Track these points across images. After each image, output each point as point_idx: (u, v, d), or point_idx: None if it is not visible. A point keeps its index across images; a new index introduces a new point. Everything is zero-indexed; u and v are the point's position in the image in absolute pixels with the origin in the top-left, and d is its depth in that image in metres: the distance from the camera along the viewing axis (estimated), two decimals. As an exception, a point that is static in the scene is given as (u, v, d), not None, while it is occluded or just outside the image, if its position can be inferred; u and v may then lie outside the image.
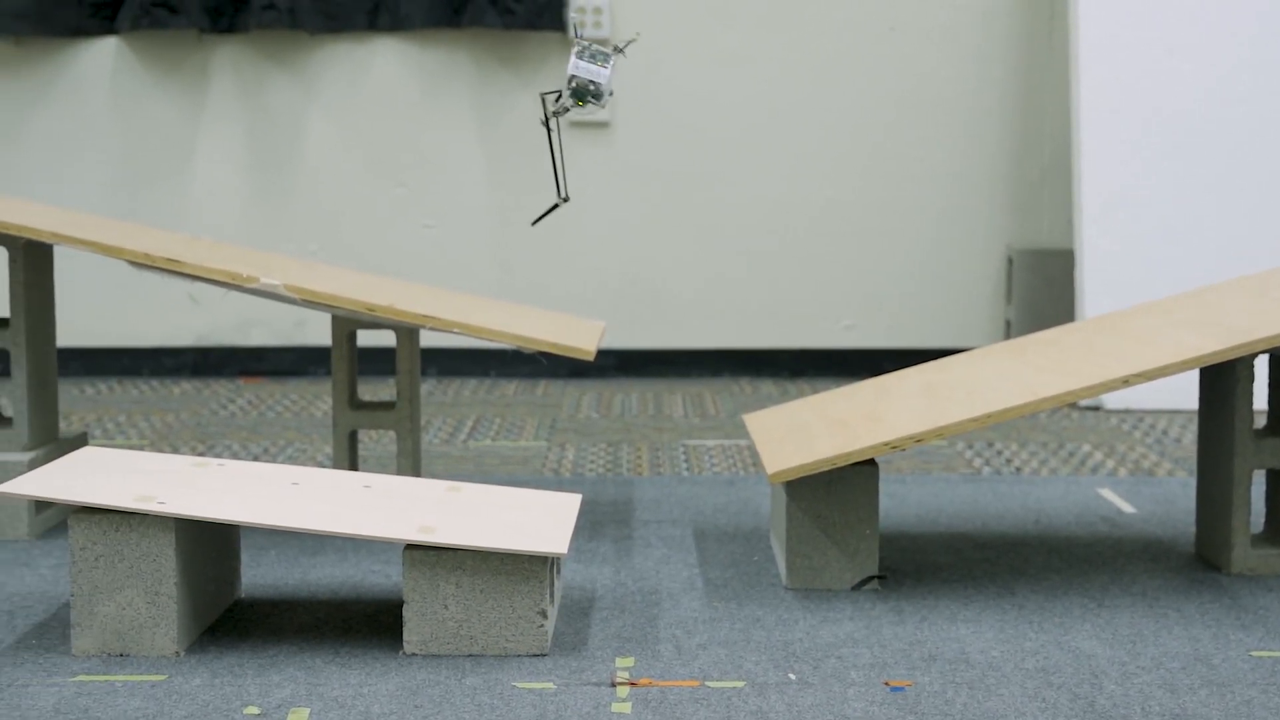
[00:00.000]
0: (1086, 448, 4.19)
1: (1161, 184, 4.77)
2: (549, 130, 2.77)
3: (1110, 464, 3.98)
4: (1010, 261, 5.23)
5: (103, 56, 5.20)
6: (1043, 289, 5.13)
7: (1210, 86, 4.78)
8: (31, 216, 3.18)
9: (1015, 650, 2.53)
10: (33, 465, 3.17)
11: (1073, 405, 4.70)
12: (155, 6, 5.08)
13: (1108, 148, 4.79)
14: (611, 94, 2.79)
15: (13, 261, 3.19)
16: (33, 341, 3.23)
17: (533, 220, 3.01)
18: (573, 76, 2.76)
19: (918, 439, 2.79)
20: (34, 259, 3.24)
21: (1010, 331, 5.19)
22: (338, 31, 5.18)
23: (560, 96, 2.76)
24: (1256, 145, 4.78)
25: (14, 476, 3.10)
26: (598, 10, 5.17)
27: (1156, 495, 3.59)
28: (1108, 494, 3.61)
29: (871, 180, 5.25)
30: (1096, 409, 4.73)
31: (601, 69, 2.74)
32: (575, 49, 2.79)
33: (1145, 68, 4.79)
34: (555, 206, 2.94)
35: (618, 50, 2.79)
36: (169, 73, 5.21)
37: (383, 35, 5.20)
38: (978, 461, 4.00)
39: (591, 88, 2.75)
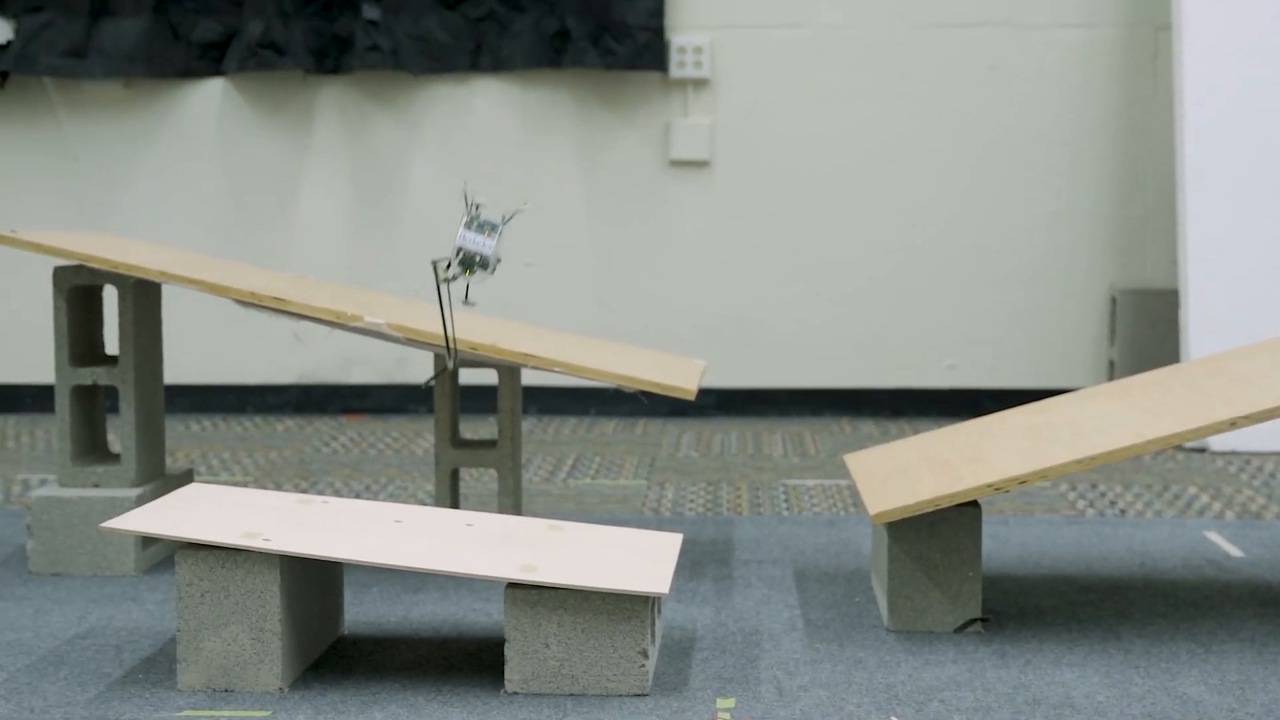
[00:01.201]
0: (1192, 490, 4.14)
1: (1267, 223, 4.72)
2: (439, 295, 2.81)
3: (1217, 506, 3.94)
4: (1114, 301, 5.18)
5: (210, 97, 5.27)
6: (1146, 329, 5.09)
7: (1318, 125, 4.73)
8: (140, 255, 3.23)
9: (1121, 696, 2.51)
10: (140, 501, 3.21)
11: (1177, 447, 4.65)
12: (262, 48, 5.15)
13: (1213, 186, 4.74)
14: (499, 260, 2.83)
15: (122, 300, 3.24)
16: (140, 379, 3.27)
17: (424, 384, 3.07)
18: (460, 248, 2.81)
19: (1021, 480, 2.77)
20: (142, 297, 3.29)
21: (1114, 372, 5.15)
22: (440, 72, 5.22)
23: (449, 265, 2.80)
24: (1365, 184, 4.71)
25: (121, 512, 3.14)
26: (698, 50, 5.19)
27: (1264, 539, 3.54)
28: (1214, 537, 3.56)
29: (972, 219, 5.23)
30: (1202, 451, 4.67)
31: (488, 239, 2.80)
32: (464, 219, 2.82)
33: (1250, 105, 4.74)
34: (447, 366, 3.01)
35: (505, 221, 2.83)
36: (274, 113, 5.28)
37: (484, 76, 5.24)
38: (1081, 503, 3.96)
39: (478, 259, 2.80)
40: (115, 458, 3.32)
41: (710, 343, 5.23)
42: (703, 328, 5.26)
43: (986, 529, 3.54)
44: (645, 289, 5.28)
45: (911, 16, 5.21)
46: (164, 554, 3.30)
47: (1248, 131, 4.74)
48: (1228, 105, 4.75)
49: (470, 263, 2.80)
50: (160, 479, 3.35)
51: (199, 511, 2.63)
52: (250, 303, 3.12)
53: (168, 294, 3.53)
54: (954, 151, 5.23)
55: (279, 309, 3.11)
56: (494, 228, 2.80)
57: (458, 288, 2.80)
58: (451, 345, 2.92)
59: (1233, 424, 2.76)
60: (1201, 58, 4.77)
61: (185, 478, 3.46)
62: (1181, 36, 4.79)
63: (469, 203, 2.84)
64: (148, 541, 3.23)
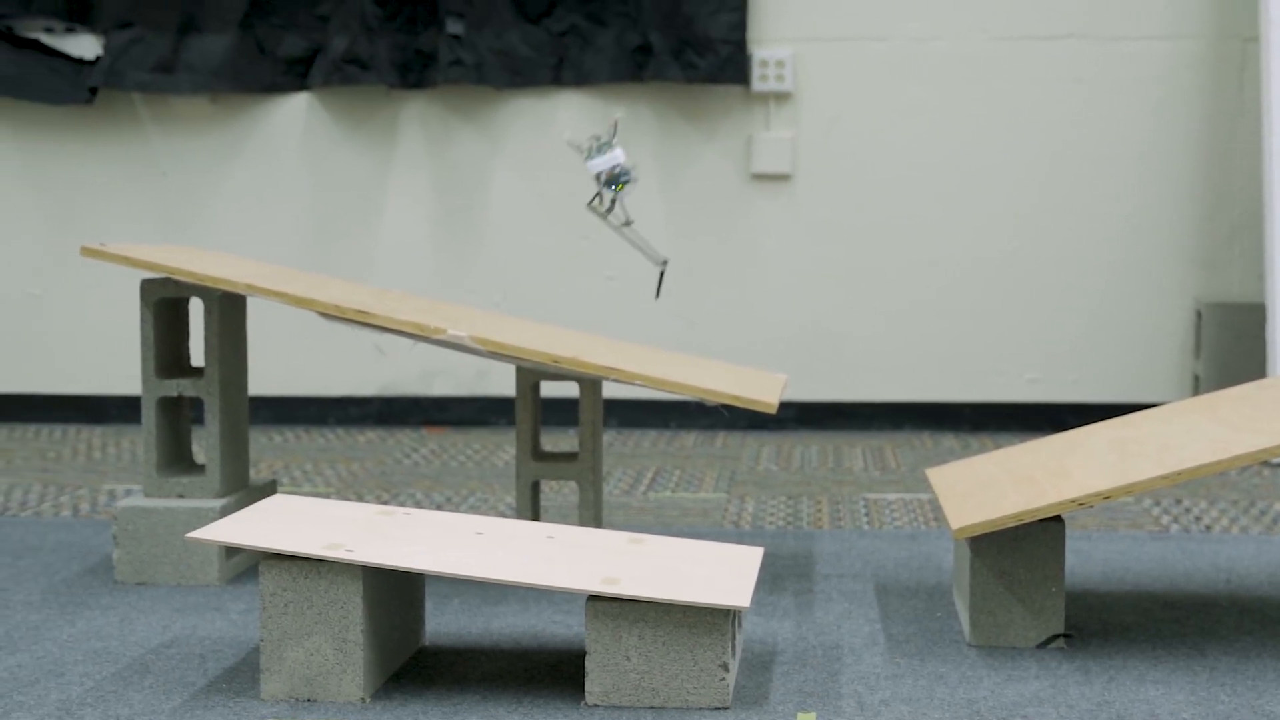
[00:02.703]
0: (1279, 506, 4.09)
1: (1357, 237, 4.66)
2: (610, 225, 2.91)
3: (1304, 523, 3.89)
4: (1199, 316, 5.14)
5: (295, 112, 5.32)
6: (1232, 344, 5.04)
7: None
8: (226, 268, 3.26)
9: (1207, 713, 2.48)
10: (224, 512, 3.24)
11: (1264, 463, 4.60)
12: (346, 63, 5.19)
13: (1301, 200, 4.69)
14: (633, 164, 2.89)
15: (208, 313, 3.27)
16: (226, 391, 3.30)
17: (656, 294, 3.10)
18: (598, 176, 2.85)
19: (1106, 495, 2.75)
20: (228, 310, 3.32)
21: (1199, 387, 5.10)
22: (523, 86, 5.24)
23: (599, 196, 2.85)
24: None
25: (206, 523, 3.17)
26: (780, 64, 5.19)
27: (1353, 556, 3.50)
28: (1302, 554, 3.52)
29: (1055, 232, 5.20)
30: (1289, 467, 4.62)
31: (613, 153, 2.84)
32: (582, 155, 2.87)
33: (1340, 118, 4.69)
34: (662, 273, 2.99)
35: (614, 132, 2.88)
36: (358, 127, 5.31)
37: (567, 90, 5.26)
38: (1165, 519, 3.93)
39: (617, 171, 2.81)
40: (200, 469, 3.35)
41: (790, 356, 5.23)
42: (783, 341, 5.26)
43: (1070, 544, 3.51)
44: (726, 302, 5.28)
45: (995, 29, 5.18)
46: (248, 564, 3.33)
47: (1336, 144, 4.69)
48: (1316, 118, 4.70)
49: (615, 180, 2.83)
50: (244, 490, 3.38)
51: (282, 522, 2.65)
52: (334, 315, 3.14)
53: (252, 306, 3.56)
54: (1037, 164, 5.20)
55: (363, 322, 3.13)
56: (609, 143, 2.84)
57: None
58: (654, 256, 2.94)
59: (1321, 440, 2.72)
60: (1289, 70, 4.72)
61: (269, 489, 3.48)
62: (1269, 48, 4.74)
63: (579, 146, 2.89)
64: (231, 552, 3.26)
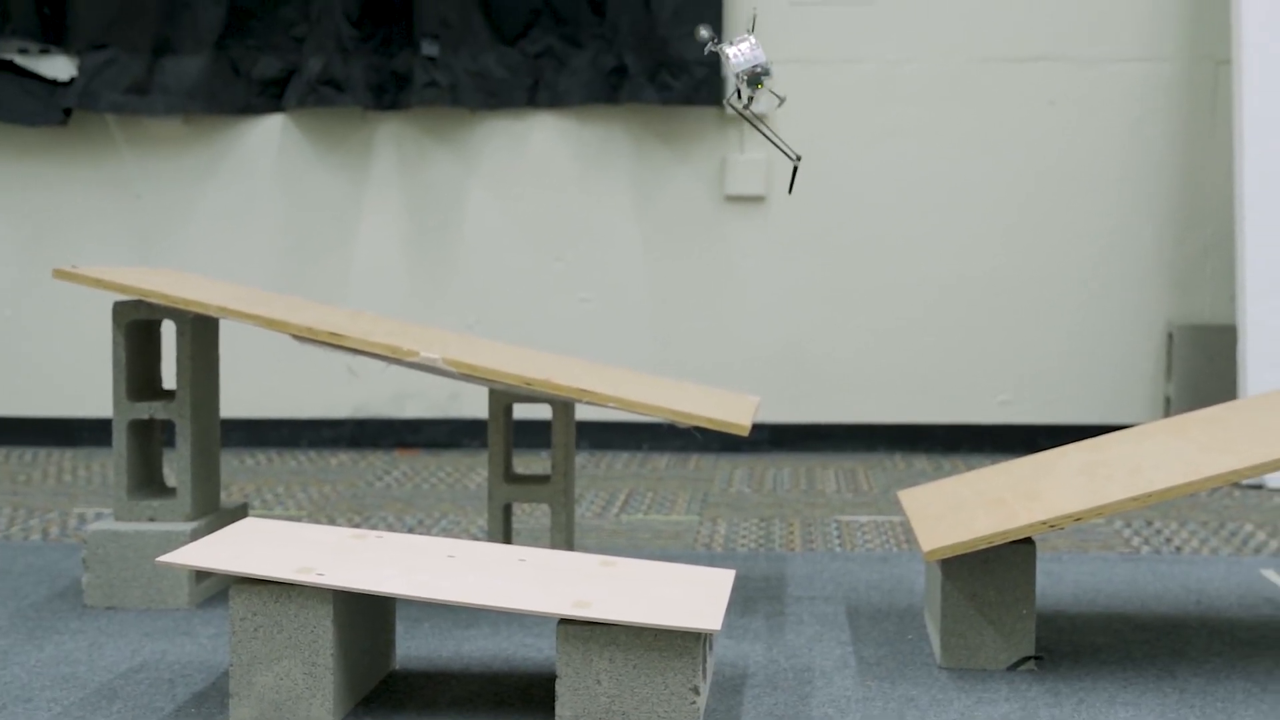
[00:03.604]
0: (1249, 527, 4.10)
1: (1327, 259, 4.69)
2: (749, 120, 2.96)
3: (1274, 544, 3.90)
4: (1171, 337, 5.15)
5: (269, 133, 5.31)
6: (1204, 365, 5.05)
7: (1378, 160, 4.69)
8: (198, 291, 3.26)
9: (1176, 736, 2.49)
10: (195, 535, 3.23)
11: (1234, 484, 4.61)
12: (321, 84, 5.19)
13: (1272, 222, 4.71)
14: (771, 61, 2.92)
15: (180, 335, 3.27)
16: (197, 413, 3.30)
17: (789, 189, 3.12)
18: (739, 74, 2.88)
19: (1077, 517, 2.76)
20: (201, 332, 3.31)
21: (1170, 408, 5.11)
22: (498, 108, 5.25)
23: (739, 93, 2.87)
24: None
25: (176, 546, 3.16)
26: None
27: (1323, 578, 3.51)
28: (1271, 575, 3.53)
29: (1029, 254, 5.22)
30: (1259, 488, 4.63)
31: (752, 51, 2.87)
32: (725, 54, 2.89)
33: (1310, 141, 4.72)
34: (795, 169, 3.07)
35: (751, 29, 2.92)
36: (333, 149, 5.31)
37: (542, 111, 5.27)
38: (1136, 540, 3.94)
39: (758, 68, 2.88)
40: (171, 492, 3.34)
41: (764, 377, 5.23)
42: (757, 362, 5.26)
43: (1041, 566, 3.52)
44: (700, 324, 5.28)
45: (970, 51, 5.20)
46: (218, 588, 3.32)
47: (1307, 167, 4.71)
48: (1286, 140, 4.73)
49: (756, 78, 2.88)
50: (215, 513, 3.37)
51: (253, 546, 2.64)
52: (306, 338, 3.14)
53: (224, 328, 3.55)
54: (1011, 186, 5.22)
55: (335, 344, 3.13)
56: (747, 39, 2.87)
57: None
58: (790, 153, 2.97)
59: (1290, 462, 2.73)
60: (1261, 92, 4.75)
61: (240, 512, 3.48)
62: (1241, 71, 4.77)
63: (712, 38, 2.91)
64: (202, 576, 3.25)
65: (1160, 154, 5.18)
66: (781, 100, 2.95)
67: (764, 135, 3.02)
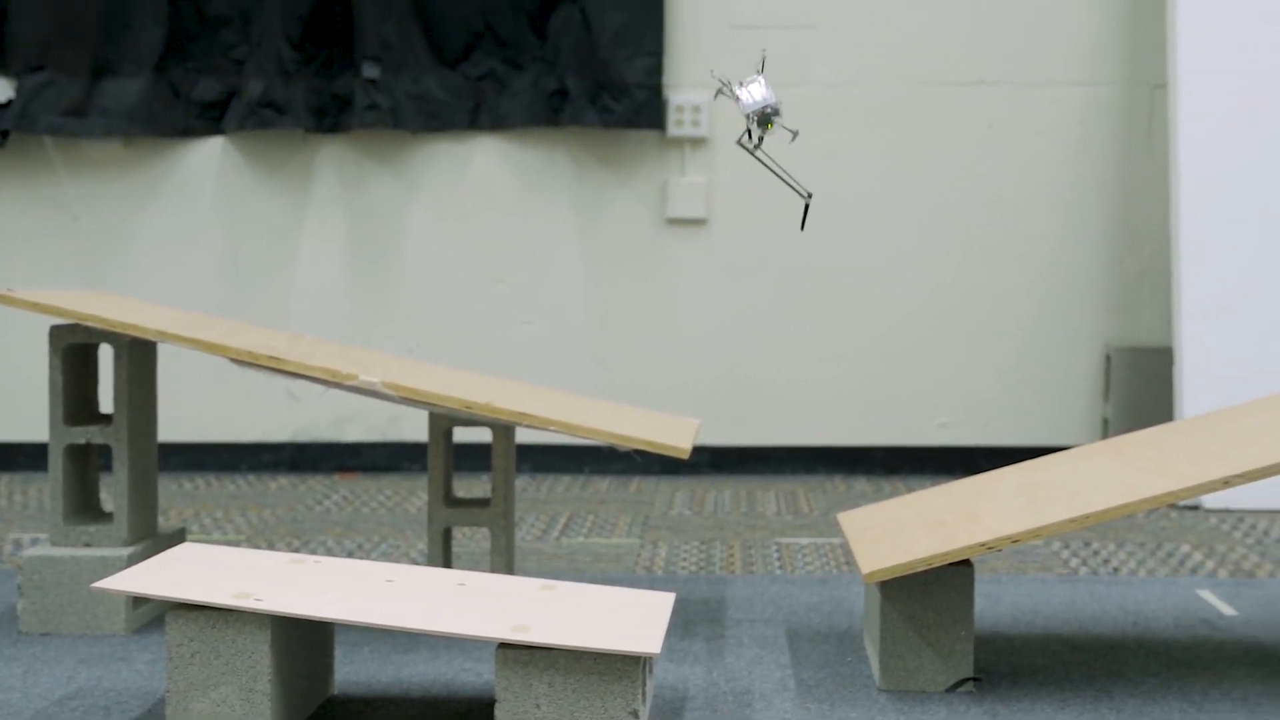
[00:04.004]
0: (1185, 548, 4.13)
1: (1263, 281, 4.73)
2: (760, 160, 2.99)
3: (1210, 565, 3.93)
4: (1108, 359, 5.19)
5: (209, 156, 5.29)
6: (1142, 387, 5.09)
7: (1311, 184, 4.75)
8: (136, 314, 3.24)
9: (1113, 756, 2.50)
10: (132, 560, 3.21)
11: (1171, 505, 4.65)
12: (262, 107, 5.17)
13: (1208, 245, 4.76)
14: (781, 102, 2.94)
15: (118, 358, 3.25)
16: (134, 438, 3.28)
17: (801, 226, 3.18)
18: (749, 115, 2.90)
19: (1015, 539, 2.77)
20: (138, 356, 3.29)
21: (1108, 430, 5.15)
22: (439, 131, 5.25)
23: (750, 134, 2.89)
24: (1359, 243, 4.73)
25: (113, 572, 3.14)
26: (696, 109, 5.22)
27: (1258, 597, 3.54)
28: (1207, 596, 3.56)
29: (968, 277, 5.24)
30: (1195, 509, 4.67)
31: (763, 91, 2.90)
32: (735, 94, 2.91)
33: (1245, 164, 4.76)
34: (807, 206, 3.10)
35: (761, 69, 2.93)
36: (274, 172, 5.30)
37: (483, 134, 5.27)
38: (1074, 562, 3.96)
39: (768, 110, 2.92)
40: (107, 517, 3.31)
41: (705, 401, 5.24)
42: (698, 386, 5.27)
43: (979, 587, 3.53)
44: (641, 347, 5.29)
45: (910, 75, 5.23)
46: (155, 614, 3.29)
47: (1243, 190, 4.76)
48: (1223, 164, 4.77)
49: (766, 118, 2.91)
50: (152, 538, 3.35)
51: (190, 571, 2.63)
52: (246, 361, 3.13)
53: (163, 352, 3.53)
54: (951, 209, 5.25)
55: (275, 368, 3.12)
56: (757, 80, 2.89)
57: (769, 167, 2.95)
58: (801, 190, 2.98)
59: (1226, 482, 2.76)
60: (1197, 116, 4.79)
61: (177, 537, 3.46)
62: (1178, 95, 4.82)
63: (725, 82, 2.92)
64: (138, 601, 3.23)
65: (1097, 177, 5.22)
66: (795, 135, 2.98)
67: (775, 174, 3.04)
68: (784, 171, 3.05)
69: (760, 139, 2.93)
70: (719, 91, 2.96)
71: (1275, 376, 4.57)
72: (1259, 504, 4.61)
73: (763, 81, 2.92)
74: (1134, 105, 5.20)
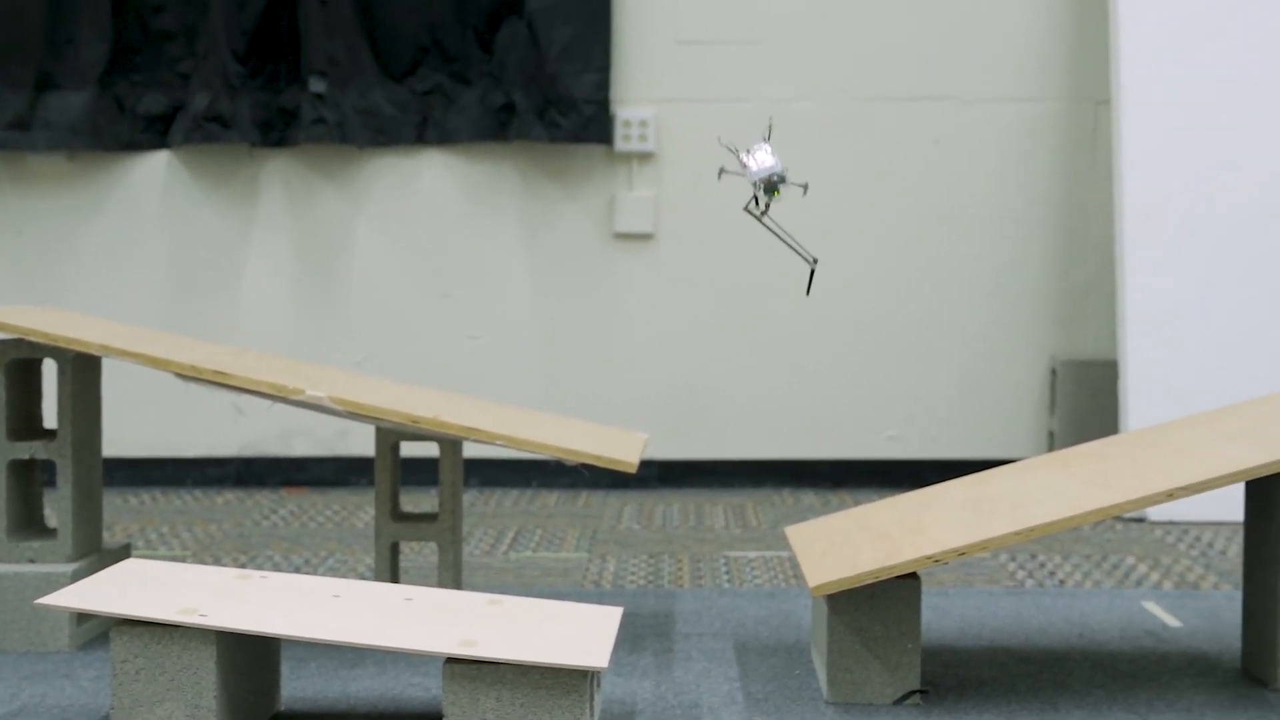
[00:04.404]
0: (1130, 560, 4.16)
1: (1206, 296, 4.77)
2: (765, 226, 3.02)
3: (1155, 577, 3.96)
4: (1054, 373, 5.22)
5: (154, 170, 5.27)
6: (1087, 400, 5.12)
7: (1256, 197, 4.78)
8: (80, 329, 3.22)
9: (1059, 767, 2.51)
10: (76, 576, 3.19)
11: (1116, 518, 4.67)
12: (208, 121, 5.15)
13: (1152, 260, 4.79)
14: (786, 167, 2.95)
15: (61, 373, 3.23)
16: (78, 453, 3.26)
17: (807, 291, 3.24)
18: (756, 182, 2.93)
19: (961, 552, 2.78)
20: (82, 371, 3.27)
21: (1054, 443, 5.18)
22: (386, 145, 5.24)
23: (757, 200, 2.95)
24: (1301, 257, 4.77)
25: (57, 588, 3.12)
26: (643, 124, 5.22)
27: (1201, 609, 3.56)
28: (1152, 607, 3.58)
29: (914, 291, 5.26)
30: (1140, 521, 4.70)
31: (769, 159, 2.94)
32: (740, 160, 2.93)
33: (1189, 179, 4.80)
34: (813, 271, 3.12)
35: (767, 135, 2.98)
36: (220, 186, 5.28)
37: (430, 149, 5.26)
38: (1021, 574, 3.98)
39: (774, 178, 2.96)
40: (51, 533, 3.29)
41: (654, 415, 5.24)
42: (646, 400, 5.27)
43: (926, 600, 3.54)
44: (589, 361, 5.29)
45: (856, 91, 5.25)
46: (99, 630, 3.27)
47: (1186, 205, 4.80)
48: (1167, 179, 4.81)
49: (772, 186, 2.95)
50: (96, 554, 3.33)
51: (135, 587, 2.61)
52: (191, 376, 3.11)
53: (107, 367, 3.51)
54: (897, 224, 5.27)
55: (220, 383, 3.10)
56: (763, 146, 2.92)
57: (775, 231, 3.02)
58: (807, 256, 3.00)
59: (1170, 495, 2.78)
60: (1141, 132, 4.83)
61: (122, 552, 3.43)
62: (1121, 111, 4.85)
63: (733, 149, 2.94)
64: (83, 618, 3.21)
65: (1043, 192, 5.26)
66: (805, 188, 3.01)
67: (782, 240, 3.09)
68: (790, 238, 3.09)
69: (767, 206, 2.97)
70: (721, 171, 3.02)
71: (1218, 389, 4.61)
72: (1203, 516, 4.65)
73: (769, 149, 2.96)
74: (1079, 121, 5.24)
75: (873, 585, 2.81)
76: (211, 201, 5.28)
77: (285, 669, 3.01)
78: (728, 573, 4.00)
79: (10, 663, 3.07)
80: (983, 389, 5.27)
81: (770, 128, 3.04)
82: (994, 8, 5.23)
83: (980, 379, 5.27)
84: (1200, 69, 4.83)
